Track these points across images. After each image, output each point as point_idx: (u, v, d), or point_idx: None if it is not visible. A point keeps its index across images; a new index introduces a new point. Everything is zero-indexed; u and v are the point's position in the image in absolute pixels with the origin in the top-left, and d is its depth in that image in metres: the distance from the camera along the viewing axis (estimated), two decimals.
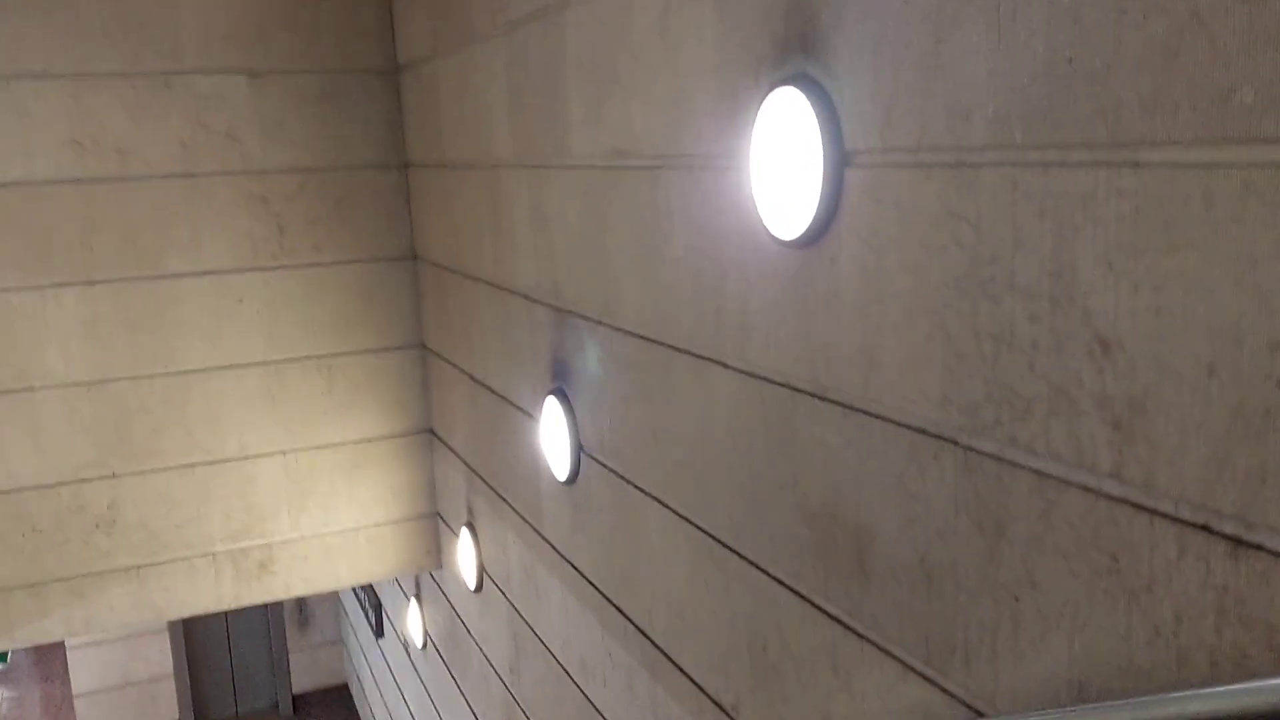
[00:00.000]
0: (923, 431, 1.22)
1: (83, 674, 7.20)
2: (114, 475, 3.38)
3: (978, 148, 1.10)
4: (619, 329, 2.03)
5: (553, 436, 2.40)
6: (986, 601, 1.15)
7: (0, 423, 3.21)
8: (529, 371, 2.61)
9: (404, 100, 3.53)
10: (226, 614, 7.74)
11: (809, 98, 1.32)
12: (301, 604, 7.83)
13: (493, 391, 2.96)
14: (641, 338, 1.93)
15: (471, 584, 3.38)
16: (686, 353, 1.77)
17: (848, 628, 1.39)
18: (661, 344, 1.85)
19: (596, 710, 2.37)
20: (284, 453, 3.59)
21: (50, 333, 3.23)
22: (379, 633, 5.75)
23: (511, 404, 2.79)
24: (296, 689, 7.89)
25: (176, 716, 7.49)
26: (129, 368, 3.34)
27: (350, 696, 7.85)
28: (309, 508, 3.66)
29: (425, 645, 4.47)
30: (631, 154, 1.90)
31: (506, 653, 3.14)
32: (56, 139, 3.16)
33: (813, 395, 1.41)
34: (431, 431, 3.76)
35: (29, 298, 3.19)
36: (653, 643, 2.03)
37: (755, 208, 1.48)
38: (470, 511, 3.37)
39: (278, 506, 3.62)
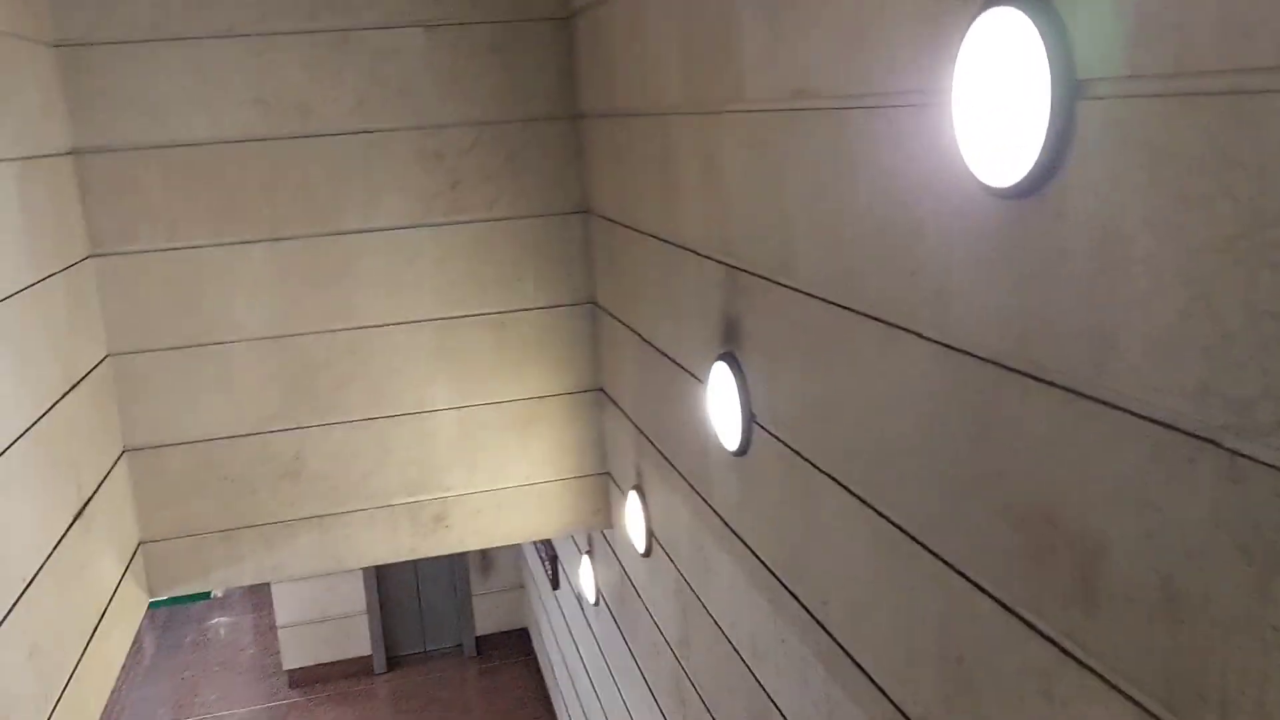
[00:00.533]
0: (1172, 428, 0.98)
1: (285, 607, 7.69)
2: (299, 427, 3.47)
3: (1264, 69, 0.85)
4: (796, 290, 1.84)
5: (722, 404, 2.24)
6: (1251, 645, 0.92)
7: (195, 375, 3.33)
8: (697, 333, 2.46)
9: (576, 48, 3.41)
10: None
11: (1031, 16, 1.08)
12: (484, 551, 8.07)
13: (660, 352, 2.82)
14: (821, 300, 1.74)
15: (640, 547, 3.29)
16: (874, 319, 1.56)
17: (1066, 652, 1.17)
18: (844, 308, 1.65)
19: (769, 697, 2.23)
20: (457, 408, 3.59)
21: (238, 288, 3.32)
22: (554, 584, 5.81)
23: (679, 366, 2.65)
24: (480, 631, 8.16)
25: (369, 651, 7.90)
26: (312, 322, 3.40)
27: (530, 640, 8.06)
28: (482, 463, 3.67)
29: (597, 602, 4.45)
30: (811, 94, 1.69)
31: (676, 622, 3.04)
32: (241, 97, 3.22)
33: (1027, 376, 1.19)
34: (601, 390, 3.68)
35: (218, 253, 3.29)
36: (829, 634, 1.86)
37: (959, 151, 1.25)
38: (639, 474, 3.27)
39: (452, 461, 3.64)
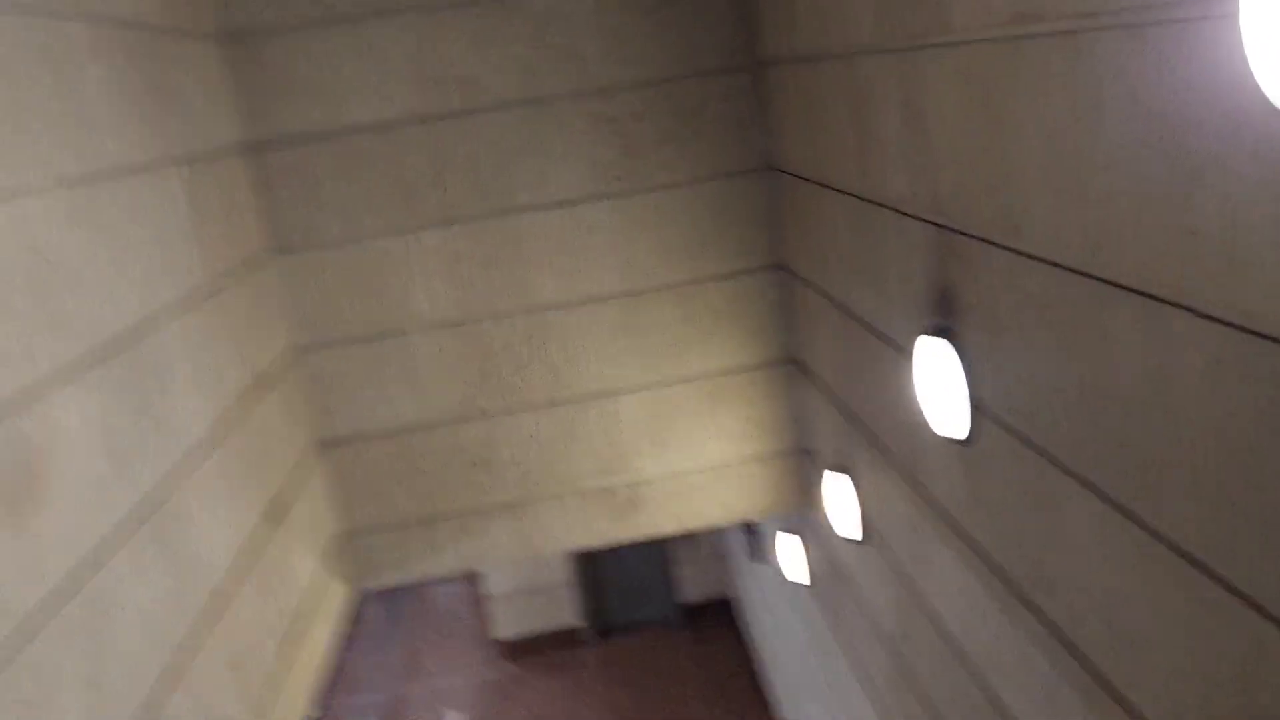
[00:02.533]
0: None
1: (495, 577, 7.91)
2: (485, 415, 3.43)
3: None
4: (1026, 255, 1.56)
5: (935, 383, 1.97)
6: None
7: (384, 366, 3.35)
8: (900, 301, 2.19)
9: None
10: None
11: None
12: None
13: (860, 320, 2.57)
14: (1060, 267, 1.45)
15: (848, 533, 3.06)
16: (1132, 291, 1.27)
17: None
18: (1092, 277, 1.37)
19: (1005, 713, 1.97)
20: (644, 387, 3.46)
21: (415, 276, 3.30)
22: (754, 557, 5.65)
23: (883, 338, 2.39)
24: (686, 599, 8.14)
25: (577, 621, 8.03)
26: (489, 306, 3.35)
27: (737, 611, 7.97)
28: (672, 444, 3.53)
29: (806, 584, 4.25)
30: (1039, 16, 1.40)
31: (892, 617, 2.80)
32: (406, 76, 3.16)
33: None
34: (797, 361, 3.45)
35: (394, 242, 3.27)
36: (1083, 661, 1.59)
37: (1252, 76, 0.96)
38: (844, 453, 3.03)
39: (641, 443, 3.51)
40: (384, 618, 9.16)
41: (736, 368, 3.47)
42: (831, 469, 3.12)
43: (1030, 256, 1.54)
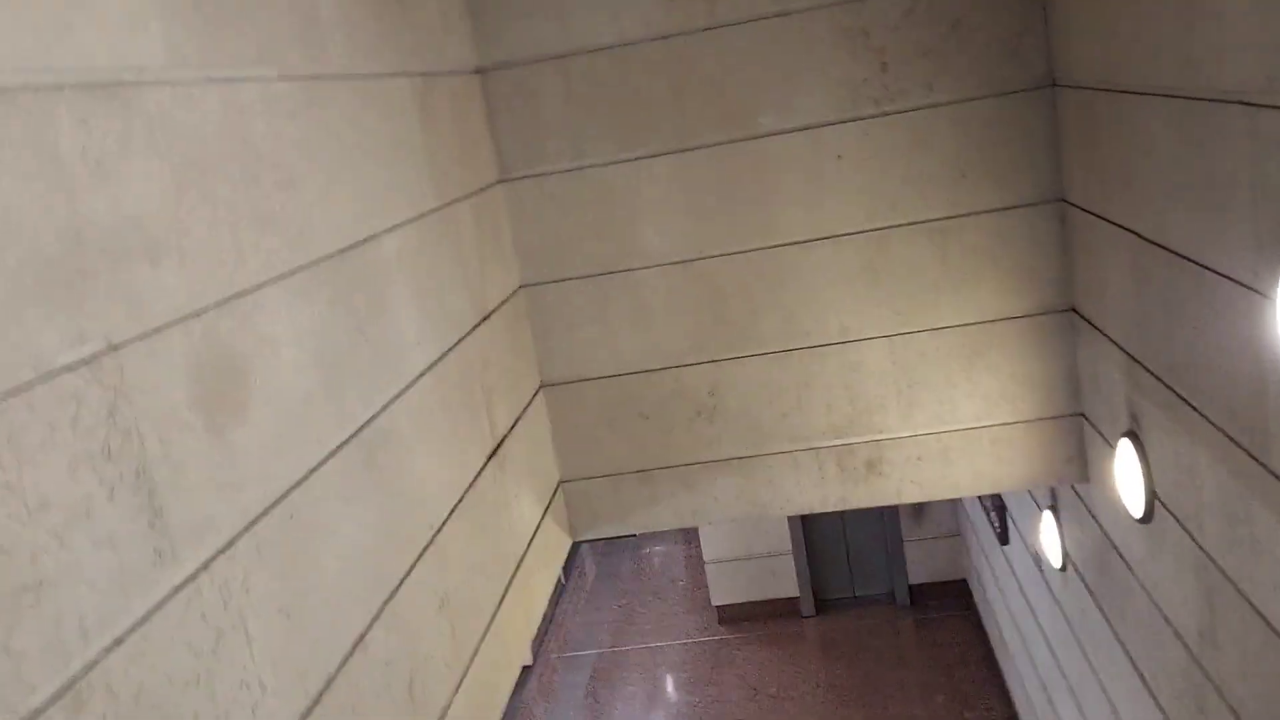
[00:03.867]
0: None
1: (712, 543, 7.74)
2: (713, 360, 3.19)
3: None
4: None
5: None
6: None
7: (607, 305, 3.17)
8: (1248, 223, 1.76)
9: None
10: None
11: None
12: None
13: (1176, 255, 2.12)
14: None
15: (1135, 510, 2.61)
16: None
17: None
18: None
19: None
20: (890, 336, 3.11)
21: (645, 206, 3.08)
22: (1003, 539, 5.16)
23: (1212, 271, 1.95)
24: (912, 580, 7.68)
25: (795, 593, 7.75)
26: (723, 242, 3.09)
27: (969, 593, 7.44)
28: (921, 401, 3.16)
29: (1065, 567, 3.78)
30: None
31: (1192, 610, 2.35)
32: None
33: None
34: (1074, 310, 2.99)
35: (624, 170, 3.06)
36: None
37: None
38: (1133, 417, 2.58)
39: (884, 399, 3.17)
40: (599, 575, 9.21)
41: (1000, 316, 3.06)
42: (1117, 435, 2.67)
43: None
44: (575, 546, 9.59)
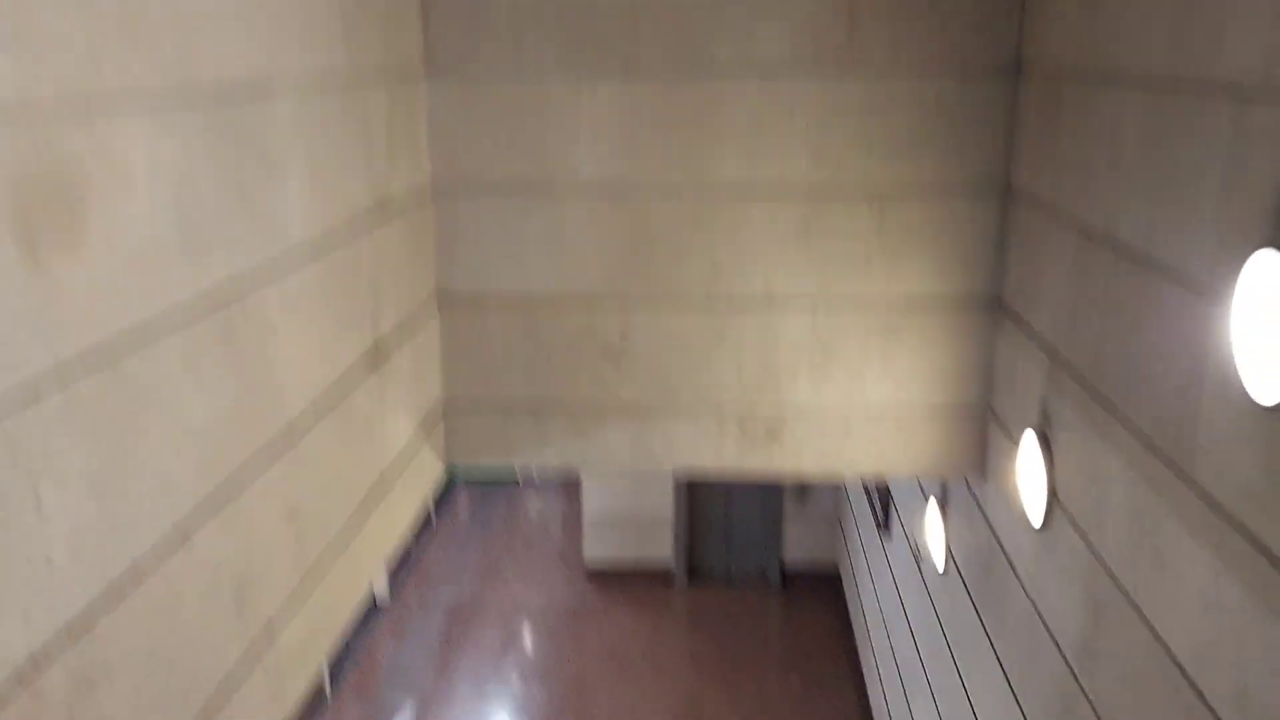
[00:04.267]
0: None
1: (592, 500, 7.61)
2: (628, 300, 3.02)
3: None
4: None
5: (1267, 330, 1.45)
6: None
7: (526, 222, 2.96)
8: (1211, 218, 1.66)
9: None
10: None
11: None
12: None
13: (1125, 250, 2.03)
14: None
15: (1032, 512, 2.55)
16: None
17: None
18: None
19: None
20: (813, 303, 2.98)
21: (581, 128, 2.88)
22: (883, 527, 5.14)
23: (1162, 270, 1.85)
24: (787, 562, 7.70)
25: (670, 562, 7.68)
26: (658, 179, 2.91)
27: (840, 582, 7.49)
28: (833, 374, 3.05)
29: (945, 567, 3.75)
30: None
31: (1076, 622, 2.29)
32: None
33: None
34: (999, 301, 2.91)
35: (563, 86, 2.85)
36: None
37: None
38: (1045, 416, 2.51)
39: (797, 366, 3.05)
40: (472, 519, 9.02)
41: (925, 298, 2.96)
42: (1022, 432, 2.60)
43: None
44: (450, 485, 9.33)
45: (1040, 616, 2.56)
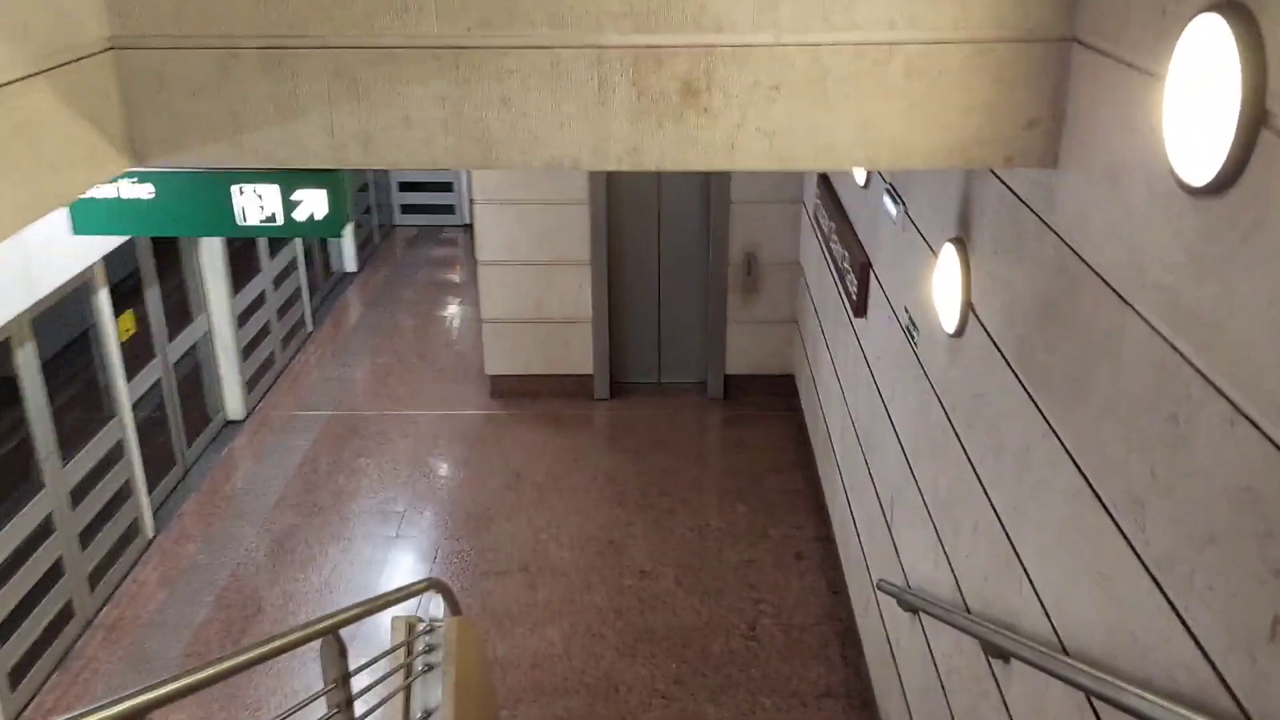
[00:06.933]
0: None
1: (492, 298, 6.34)
2: None
3: None
4: None
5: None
6: None
7: None
8: None
9: None
10: (659, 259, 6.44)
11: None
12: (752, 261, 6.28)
13: None
14: None
15: (1188, 174, 1.31)
16: None
17: None
18: None
19: None
20: None
21: None
22: (859, 310, 3.94)
23: None
24: (730, 369, 6.55)
25: (590, 370, 6.50)
26: None
27: (795, 391, 6.38)
28: None
29: (962, 329, 2.55)
30: None
31: None
32: None
33: None
34: None
35: None
36: None
37: None
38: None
39: None
40: (359, 327, 7.76)
41: None
42: (1160, 66, 1.33)
43: None
44: (330, 275, 8.00)
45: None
